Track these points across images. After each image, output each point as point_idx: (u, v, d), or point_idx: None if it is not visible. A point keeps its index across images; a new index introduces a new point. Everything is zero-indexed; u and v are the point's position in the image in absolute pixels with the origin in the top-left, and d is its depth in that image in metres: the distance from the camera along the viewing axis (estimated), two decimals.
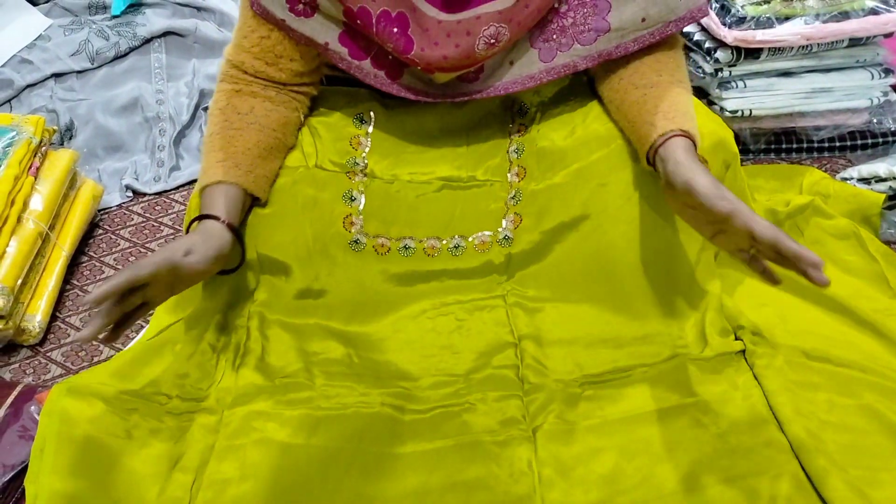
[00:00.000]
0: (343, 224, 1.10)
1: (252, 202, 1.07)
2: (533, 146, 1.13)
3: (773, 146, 1.59)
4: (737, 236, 0.87)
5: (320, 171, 1.11)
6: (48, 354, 1.22)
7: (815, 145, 1.58)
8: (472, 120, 1.17)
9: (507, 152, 1.14)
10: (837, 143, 1.58)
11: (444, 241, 1.11)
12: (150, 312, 1.12)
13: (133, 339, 1.20)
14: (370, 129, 1.15)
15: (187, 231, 1.01)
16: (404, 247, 1.10)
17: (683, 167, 0.91)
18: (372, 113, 1.16)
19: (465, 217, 1.12)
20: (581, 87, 1.16)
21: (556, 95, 1.16)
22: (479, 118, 1.17)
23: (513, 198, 1.12)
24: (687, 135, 0.96)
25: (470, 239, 1.11)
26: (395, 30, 1.00)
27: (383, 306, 1.09)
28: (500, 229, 1.11)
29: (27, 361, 1.21)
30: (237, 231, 1.01)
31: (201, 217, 0.99)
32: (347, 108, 1.16)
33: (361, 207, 1.11)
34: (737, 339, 1.04)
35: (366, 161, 1.13)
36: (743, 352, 1.02)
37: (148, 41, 1.73)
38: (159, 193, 1.59)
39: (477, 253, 1.11)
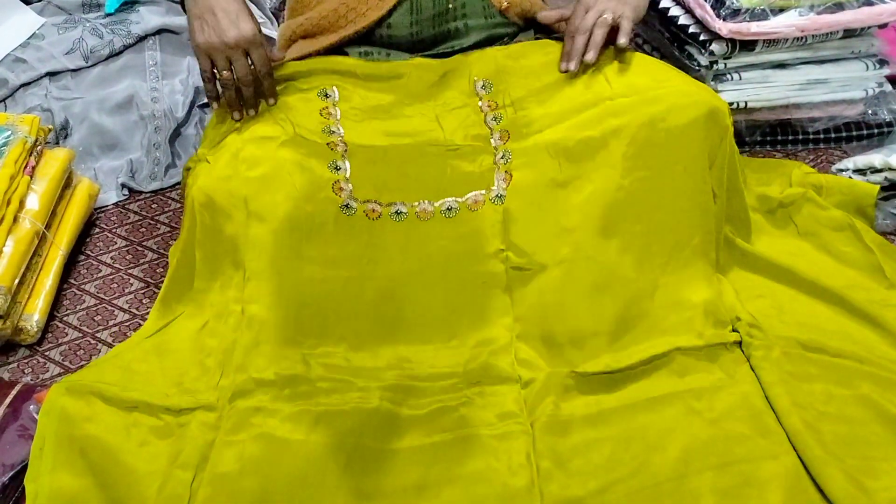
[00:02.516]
0: (332, 189, 1.09)
1: None
2: (509, 114, 1.14)
3: (768, 138, 1.59)
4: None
5: (302, 139, 1.11)
6: (46, 353, 1.22)
7: (811, 137, 1.58)
8: (438, 93, 1.19)
9: (485, 122, 1.15)
10: (833, 135, 1.58)
11: (437, 204, 1.10)
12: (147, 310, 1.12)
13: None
14: (336, 101, 1.17)
15: None
16: (396, 212, 1.10)
17: None
18: (334, 87, 1.18)
19: (456, 178, 1.11)
20: (537, 47, 1.21)
21: (518, 57, 1.21)
22: (445, 92, 1.20)
23: (502, 157, 1.11)
24: None
25: (462, 199, 1.10)
26: None
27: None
28: (492, 188, 1.10)
29: (25, 361, 1.21)
30: None
31: None
32: (308, 85, 1.18)
33: (348, 175, 1.10)
34: (734, 330, 1.05)
35: (341, 129, 1.14)
36: (739, 343, 1.03)
37: (142, 39, 1.72)
38: (155, 192, 1.59)
39: (470, 213, 1.10)
